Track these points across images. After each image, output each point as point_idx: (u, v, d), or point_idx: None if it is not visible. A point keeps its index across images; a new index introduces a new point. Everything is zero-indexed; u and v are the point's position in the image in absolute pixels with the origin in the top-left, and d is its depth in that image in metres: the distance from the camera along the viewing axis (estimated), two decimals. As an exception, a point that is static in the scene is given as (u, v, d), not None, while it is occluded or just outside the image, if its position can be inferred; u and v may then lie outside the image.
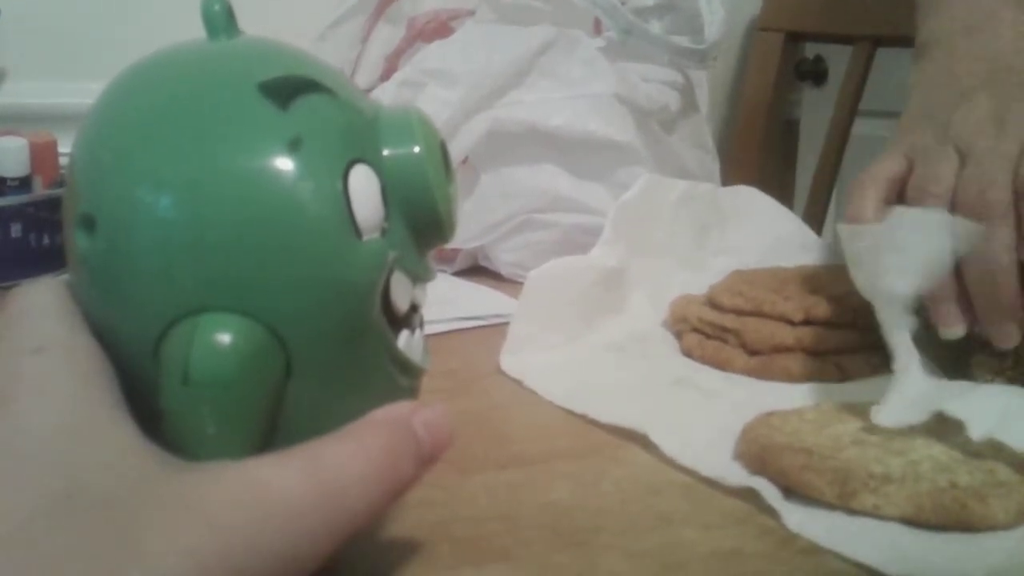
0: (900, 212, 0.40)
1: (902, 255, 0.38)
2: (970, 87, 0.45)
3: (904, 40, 0.91)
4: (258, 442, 0.23)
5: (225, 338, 0.21)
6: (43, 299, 0.24)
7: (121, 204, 0.22)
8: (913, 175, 0.44)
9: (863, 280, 0.40)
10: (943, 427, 0.34)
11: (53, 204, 0.66)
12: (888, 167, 0.45)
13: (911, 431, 0.34)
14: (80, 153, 0.24)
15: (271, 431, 0.23)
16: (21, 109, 0.81)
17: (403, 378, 0.26)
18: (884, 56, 0.94)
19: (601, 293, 0.51)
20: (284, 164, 0.22)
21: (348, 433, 0.23)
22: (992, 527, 0.30)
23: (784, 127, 1.14)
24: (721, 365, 0.48)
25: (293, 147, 0.23)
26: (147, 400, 0.22)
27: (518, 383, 0.45)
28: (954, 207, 0.41)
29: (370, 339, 0.25)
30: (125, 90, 0.24)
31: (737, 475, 0.34)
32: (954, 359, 0.42)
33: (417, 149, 0.25)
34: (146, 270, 0.22)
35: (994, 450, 0.32)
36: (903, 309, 0.37)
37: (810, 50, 1.16)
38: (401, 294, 0.25)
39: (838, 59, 1.07)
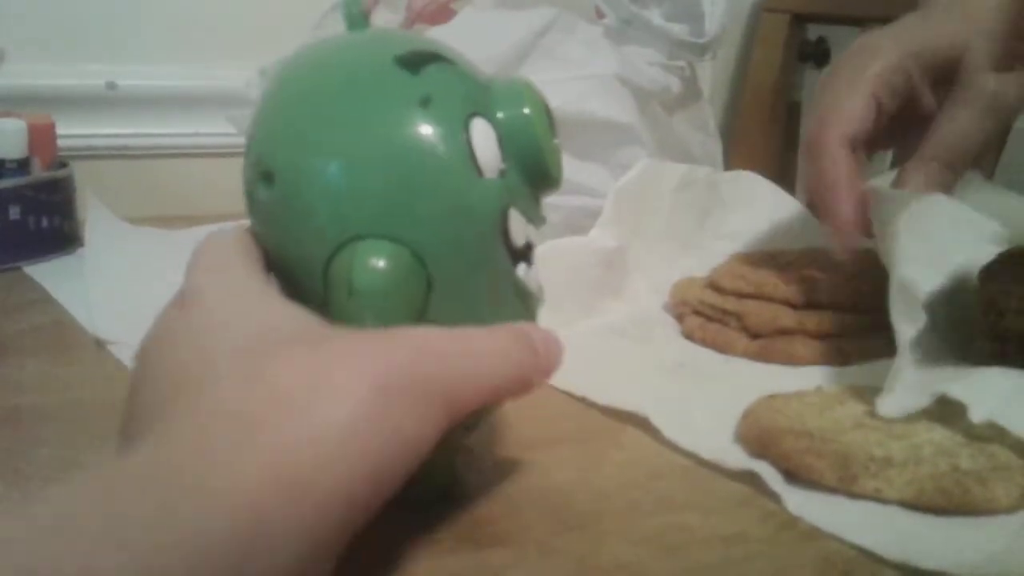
0: (940, 200, 0.39)
1: (928, 246, 0.37)
2: None
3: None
4: None
5: (379, 257, 0.27)
6: (226, 236, 0.29)
7: (293, 162, 0.28)
8: None
9: (884, 254, 0.39)
10: (945, 411, 0.34)
11: (51, 186, 0.65)
12: None
13: (913, 415, 0.34)
14: (258, 125, 0.30)
15: None
16: (20, 91, 0.80)
17: (522, 305, 0.31)
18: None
19: (601, 274, 0.51)
20: (419, 117, 0.28)
21: (483, 328, 0.27)
22: (994, 511, 0.30)
23: (786, 109, 1.13)
24: (722, 348, 0.48)
25: (424, 104, 0.28)
26: (319, 315, 0.26)
27: (519, 366, 0.45)
28: None
29: (494, 263, 0.29)
30: (292, 73, 0.30)
31: (738, 458, 0.33)
32: (958, 344, 0.42)
33: (527, 111, 0.30)
34: (315, 210, 0.27)
35: (996, 433, 0.32)
36: (916, 301, 0.37)
37: (812, 31, 1.15)
38: (518, 230, 0.30)
39: (841, 40, 1.06)
